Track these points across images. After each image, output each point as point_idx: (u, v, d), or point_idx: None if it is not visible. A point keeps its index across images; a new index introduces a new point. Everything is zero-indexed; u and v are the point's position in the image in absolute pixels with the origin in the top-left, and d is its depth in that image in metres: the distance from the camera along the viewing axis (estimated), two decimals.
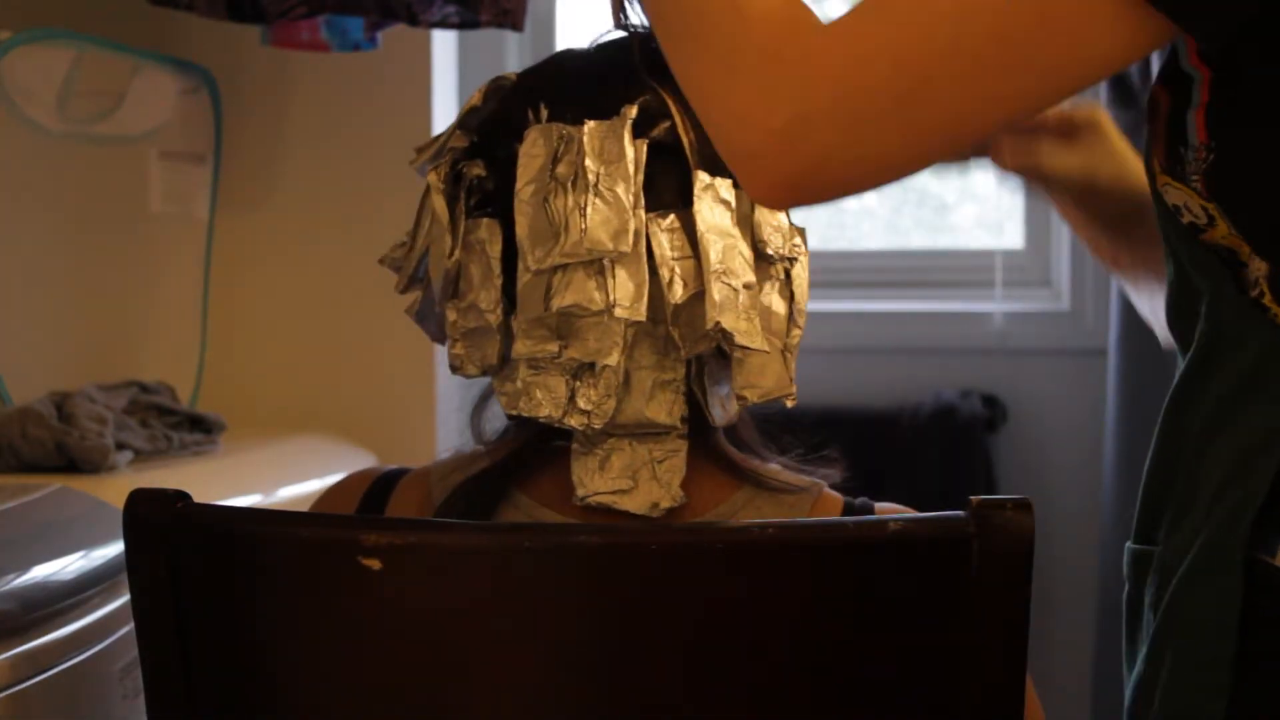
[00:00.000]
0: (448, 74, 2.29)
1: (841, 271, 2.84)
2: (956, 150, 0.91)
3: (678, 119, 1.10)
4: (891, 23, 0.89)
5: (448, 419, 2.17)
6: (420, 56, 2.21)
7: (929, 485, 2.62)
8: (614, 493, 1.09)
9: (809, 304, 1.15)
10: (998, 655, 0.98)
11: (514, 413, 1.11)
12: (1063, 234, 2.77)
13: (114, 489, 1.46)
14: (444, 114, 2.22)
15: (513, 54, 2.74)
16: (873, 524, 1.01)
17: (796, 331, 1.12)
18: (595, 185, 1.07)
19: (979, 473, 2.65)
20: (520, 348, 1.08)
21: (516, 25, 1.98)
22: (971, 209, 2.98)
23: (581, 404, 1.08)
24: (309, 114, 2.22)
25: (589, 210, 1.06)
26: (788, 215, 1.13)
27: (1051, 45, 0.89)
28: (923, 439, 2.66)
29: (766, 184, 0.92)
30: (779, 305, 1.11)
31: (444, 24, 1.98)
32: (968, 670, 0.98)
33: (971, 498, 0.98)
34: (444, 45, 2.28)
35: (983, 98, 0.89)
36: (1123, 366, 2.50)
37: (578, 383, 1.08)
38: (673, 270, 1.07)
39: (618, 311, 1.06)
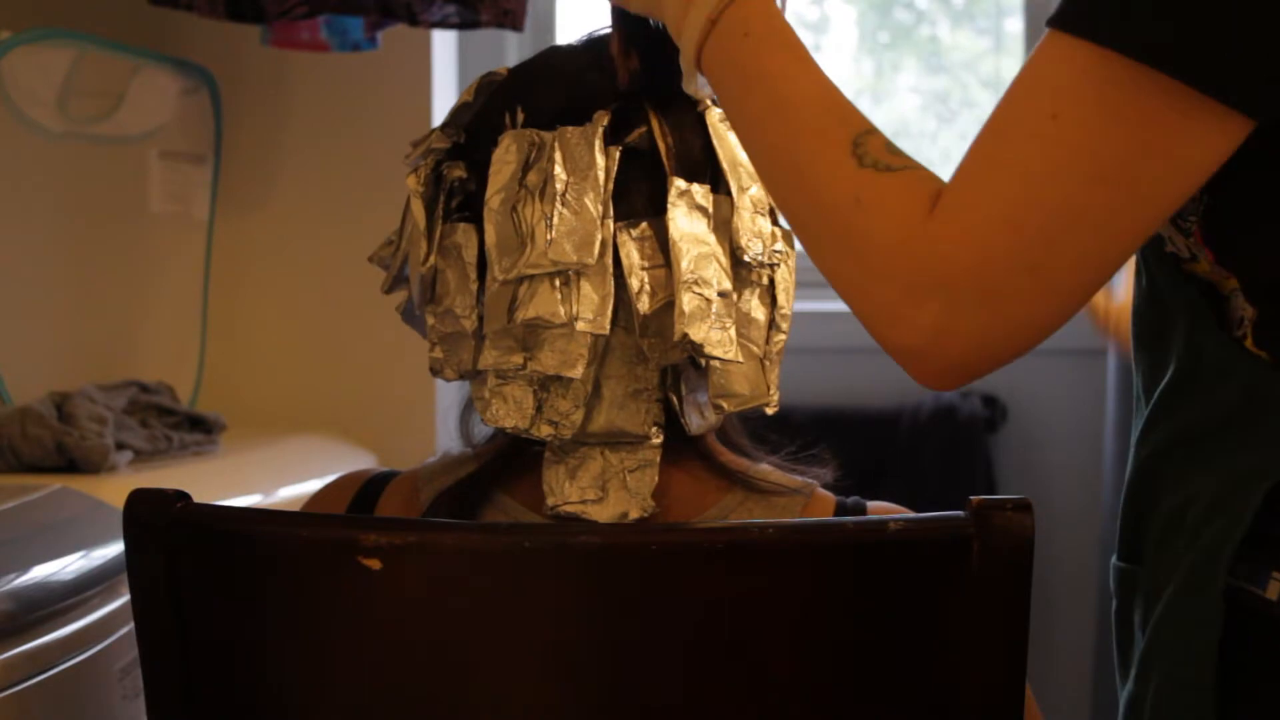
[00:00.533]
0: (448, 74, 2.29)
1: None
2: (1094, 291, 0.92)
3: (655, 124, 1.08)
4: (1001, 194, 0.89)
5: (448, 419, 2.15)
6: (420, 56, 2.20)
7: (929, 485, 2.62)
8: (582, 502, 1.08)
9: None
10: (998, 655, 0.98)
11: (485, 420, 1.09)
12: None
13: (114, 489, 1.46)
14: (444, 114, 2.21)
15: (513, 54, 2.73)
16: (873, 524, 1.01)
17: (779, 337, 1.10)
18: (563, 195, 1.05)
19: (979, 473, 2.65)
20: (486, 358, 1.07)
21: (516, 25, 1.98)
22: None
23: (549, 415, 1.07)
24: (309, 114, 2.22)
25: (555, 220, 1.04)
26: (771, 219, 1.11)
27: (1153, 171, 0.89)
28: (923, 439, 2.66)
29: (934, 374, 0.93)
30: (759, 312, 1.09)
31: (444, 24, 1.98)
32: (968, 670, 0.98)
33: (971, 498, 0.98)
34: (444, 45, 2.28)
35: (1105, 240, 0.90)
36: (1123, 366, 2.50)
37: (545, 393, 1.07)
38: (642, 280, 1.05)
39: (579, 325, 1.04)
